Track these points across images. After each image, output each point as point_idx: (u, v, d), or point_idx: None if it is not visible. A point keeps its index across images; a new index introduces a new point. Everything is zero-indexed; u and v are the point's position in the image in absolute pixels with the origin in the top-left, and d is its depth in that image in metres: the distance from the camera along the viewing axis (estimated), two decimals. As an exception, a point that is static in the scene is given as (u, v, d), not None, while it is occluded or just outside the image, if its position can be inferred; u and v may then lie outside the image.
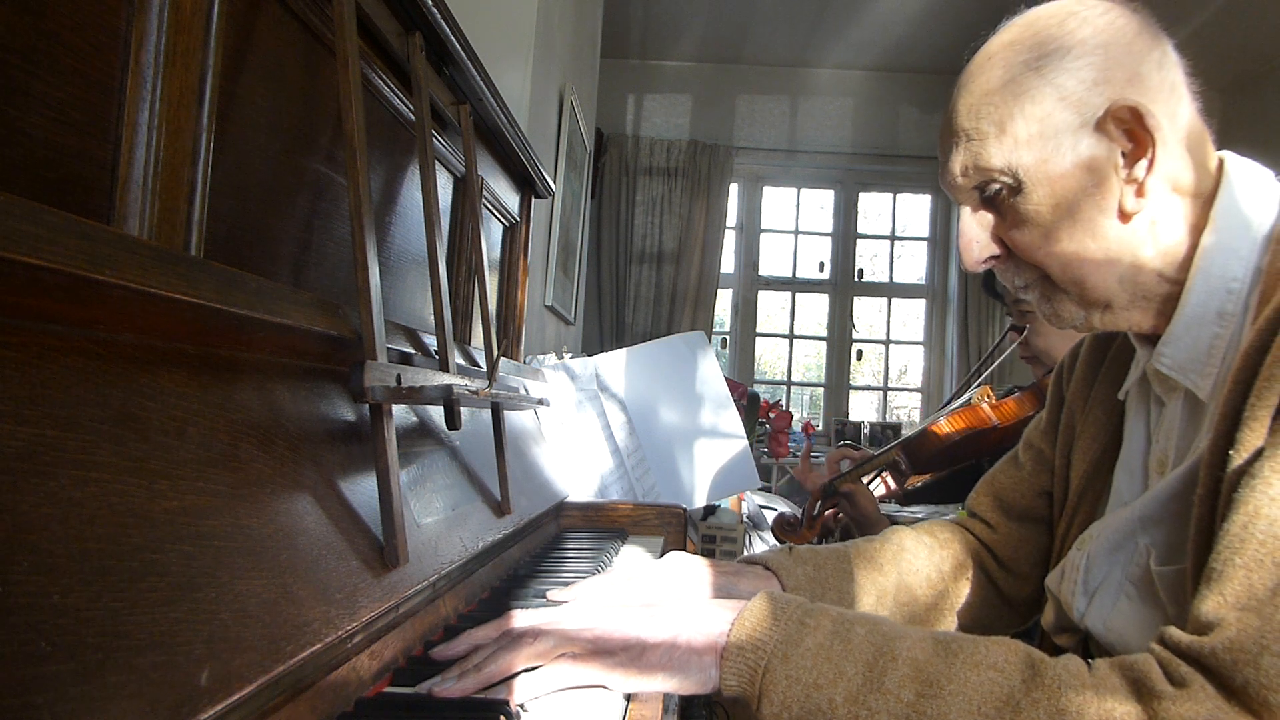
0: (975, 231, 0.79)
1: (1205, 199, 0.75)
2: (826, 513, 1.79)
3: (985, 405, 1.67)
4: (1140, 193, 0.73)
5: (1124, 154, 0.73)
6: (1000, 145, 0.74)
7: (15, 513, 0.35)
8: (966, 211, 0.80)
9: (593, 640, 0.65)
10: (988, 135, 0.75)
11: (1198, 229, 0.74)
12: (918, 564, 0.99)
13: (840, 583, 0.94)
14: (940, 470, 1.72)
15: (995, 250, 0.79)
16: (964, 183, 0.78)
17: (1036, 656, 0.61)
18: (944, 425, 1.66)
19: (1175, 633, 0.60)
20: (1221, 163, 0.77)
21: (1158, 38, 0.75)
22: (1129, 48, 0.73)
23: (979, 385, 1.79)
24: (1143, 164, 0.72)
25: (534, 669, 0.63)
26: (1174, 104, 0.73)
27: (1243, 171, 0.75)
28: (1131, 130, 0.72)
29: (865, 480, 1.77)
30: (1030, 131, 0.73)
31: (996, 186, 0.76)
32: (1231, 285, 0.72)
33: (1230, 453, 0.63)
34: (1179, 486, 0.72)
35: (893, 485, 1.86)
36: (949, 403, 1.77)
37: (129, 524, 0.41)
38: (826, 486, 1.72)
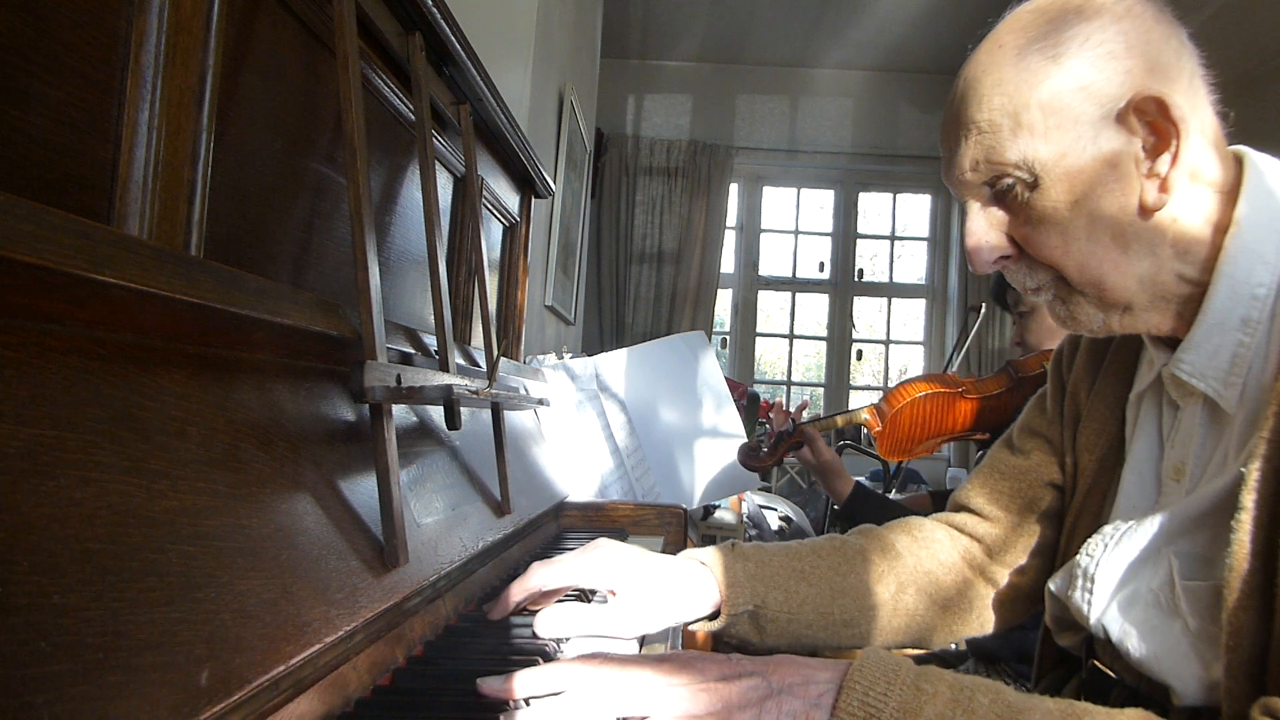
0: (984, 230, 0.75)
1: (1226, 195, 0.72)
2: (786, 448, 1.89)
3: (953, 374, 1.78)
4: (1164, 188, 0.69)
5: (1144, 147, 0.69)
6: (1016, 138, 0.70)
7: (15, 513, 0.35)
8: (975, 209, 0.75)
9: (674, 701, 0.58)
10: (1001, 127, 0.71)
11: (1220, 227, 0.71)
12: (894, 563, 0.94)
13: (789, 581, 0.87)
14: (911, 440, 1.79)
15: (1007, 250, 0.75)
16: (973, 178, 0.74)
17: None
18: (915, 383, 1.75)
19: None
20: (1240, 159, 0.73)
21: (1174, 25, 0.71)
22: (1148, 35, 0.69)
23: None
24: (1166, 158, 0.69)
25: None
26: (1194, 95, 0.70)
27: (1265, 169, 0.72)
28: (1154, 123, 0.68)
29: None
30: (1048, 123, 0.69)
31: (1010, 181, 0.72)
32: (1257, 291, 0.69)
33: None
34: (1212, 503, 0.69)
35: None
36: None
37: (129, 524, 0.41)
38: (791, 425, 1.84)
